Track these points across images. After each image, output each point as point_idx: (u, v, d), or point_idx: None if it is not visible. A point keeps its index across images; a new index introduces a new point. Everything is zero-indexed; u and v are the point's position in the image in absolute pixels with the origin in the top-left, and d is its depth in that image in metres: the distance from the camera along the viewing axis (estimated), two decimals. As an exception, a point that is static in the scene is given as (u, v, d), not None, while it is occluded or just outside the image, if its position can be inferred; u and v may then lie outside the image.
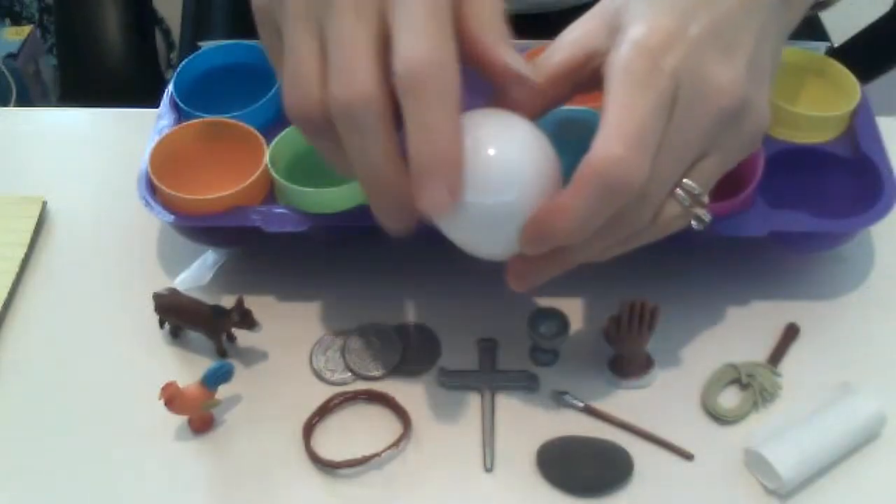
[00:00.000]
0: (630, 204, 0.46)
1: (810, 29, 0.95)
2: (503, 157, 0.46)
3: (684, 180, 0.48)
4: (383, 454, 0.55)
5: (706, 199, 0.49)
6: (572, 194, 0.45)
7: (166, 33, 1.55)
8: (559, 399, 0.58)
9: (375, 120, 0.44)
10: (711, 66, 0.46)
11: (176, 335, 0.61)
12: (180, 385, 0.55)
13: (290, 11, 0.46)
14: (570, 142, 0.62)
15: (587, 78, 0.50)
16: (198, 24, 1.05)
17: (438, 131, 0.43)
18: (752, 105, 0.48)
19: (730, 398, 0.57)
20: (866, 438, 0.55)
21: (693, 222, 0.50)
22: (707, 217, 0.50)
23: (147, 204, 0.60)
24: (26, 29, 1.59)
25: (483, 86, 0.65)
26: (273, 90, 0.64)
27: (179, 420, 0.57)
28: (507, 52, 0.47)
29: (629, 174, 0.44)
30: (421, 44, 0.43)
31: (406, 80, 0.43)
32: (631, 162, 0.44)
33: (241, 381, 0.58)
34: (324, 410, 0.57)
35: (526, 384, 0.58)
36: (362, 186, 0.47)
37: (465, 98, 0.45)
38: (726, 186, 0.53)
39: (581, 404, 0.57)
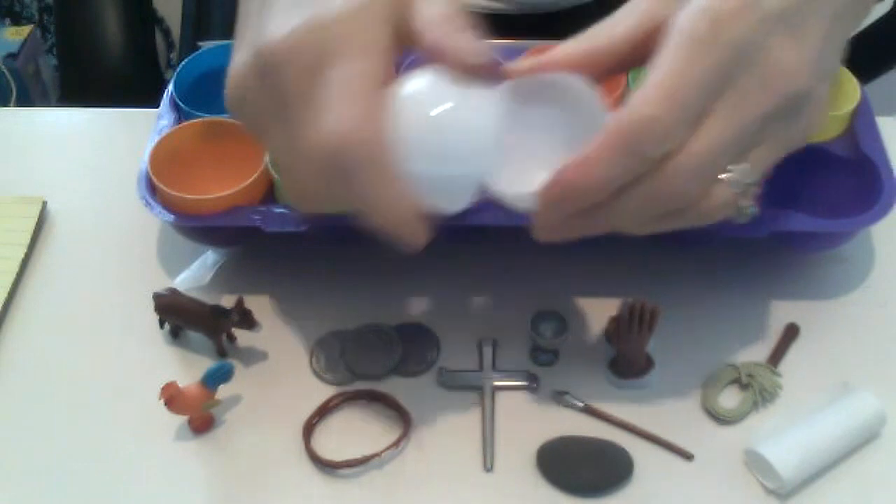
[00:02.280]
0: (673, 177, 0.44)
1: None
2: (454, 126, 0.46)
3: (737, 166, 0.46)
4: (383, 454, 0.55)
5: (757, 189, 0.47)
6: (596, 148, 0.43)
7: (166, 33, 1.55)
8: (559, 399, 0.58)
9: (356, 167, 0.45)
10: (779, 47, 0.44)
11: (176, 335, 0.61)
12: (180, 385, 0.55)
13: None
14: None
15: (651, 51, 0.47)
16: (198, 24, 1.05)
17: (379, 202, 0.45)
18: (814, 97, 0.46)
19: (730, 398, 0.57)
20: (866, 438, 0.55)
21: (740, 213, 0.48)
22: (754, 210, 0.48)
23: (147, 204, 0.60)
24: (26, 29, 1.58)
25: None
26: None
27: (179, 420, 0.57)
28: (454, 41, 0.46)
29: (657, 137, 0.43)
30: (339, 125, 0.44)
31: (332, 161, 0.44)
32: (663, 124, 0.43)
33: (241, 381, 0.58)
34: (324, 410, 0.57)
35: (526, 384, 0.58)
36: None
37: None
38: None
39: (581, 404, 0.57)
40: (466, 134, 0.46)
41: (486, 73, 0.47)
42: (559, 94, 0.47)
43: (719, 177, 0.46)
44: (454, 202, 0.49)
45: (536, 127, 0.49)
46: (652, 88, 0.43)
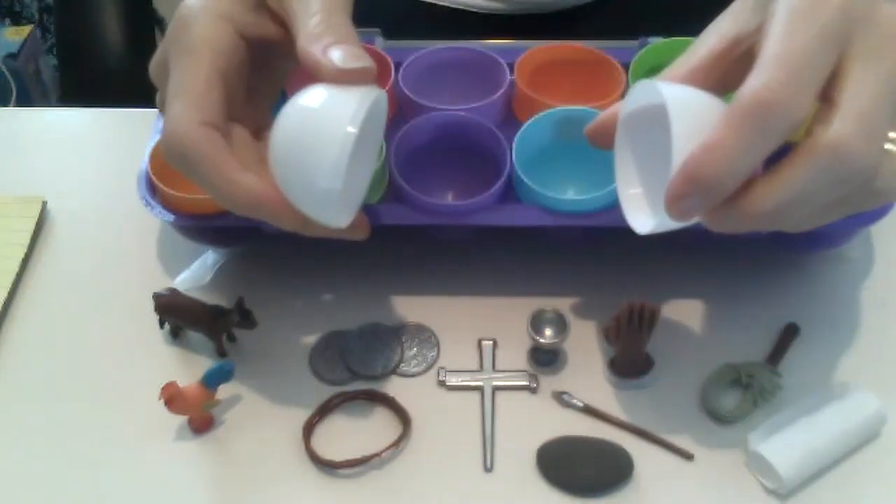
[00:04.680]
0: (837, 144, 0.41)
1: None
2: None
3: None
4: (383, 454, 0.55)
5: None
6: (723, 129, 0.42)
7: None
8: (559, 399, 0.58)
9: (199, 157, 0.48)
10: (888, 1, 0.43)
11: (176, 335, 0.61)
12: (180, 385, 0.55)
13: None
14: (571, 142, 0.62)
15: (736, 65, 0.47)
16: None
17: (219, 193, 0.49)
18: None
19: (730, 398, 0.57)
20: (866, 438, 0.55)
21: None
22: None
23: (147, 204, 0.60)
24: (26, 29, 1.59)
25: (483, 76, 0.65)
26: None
27: (179, 420, 0.57)
28: (325, 59, 0.48)
29: (778, 106, 0.41)
30: (176, 124, 0.48)
31: (175, 154, 0.49)
32: (789, 89, 0.41)
33: (241, 381, 0.58)
34: (324, 410, 0.57)
35: (526, 384, 0.58)
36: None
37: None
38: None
39: (581, 404, 0.57)
40: (315, 148, 0.47)
41: (358, 79, 0.48)
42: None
43: (886, 147, 0.44)
44: (320, 215, 0.49)
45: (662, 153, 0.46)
46: (763, 61, 0.42)
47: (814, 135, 0.42)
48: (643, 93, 0.49)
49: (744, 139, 0.41)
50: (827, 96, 0.43)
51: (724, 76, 0.47)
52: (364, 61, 0.48)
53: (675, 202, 0.43)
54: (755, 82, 0.41)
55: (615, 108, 0.52)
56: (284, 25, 0.51)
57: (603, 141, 0.52)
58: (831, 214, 0.46)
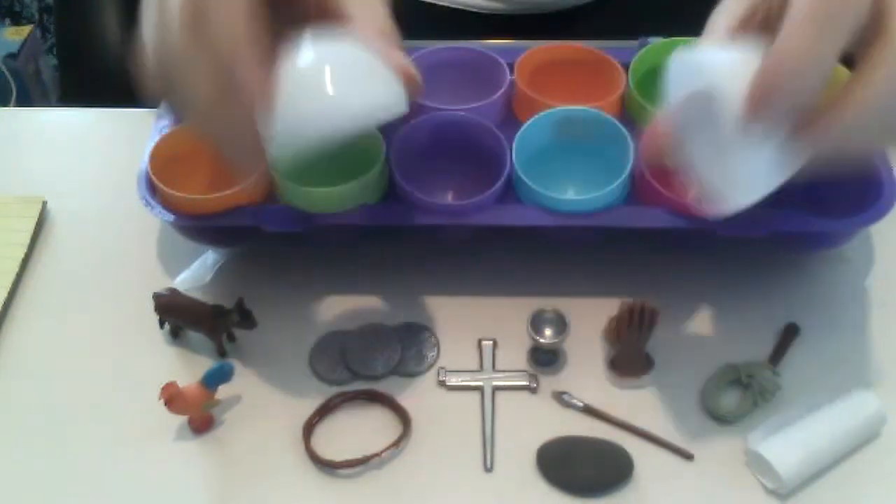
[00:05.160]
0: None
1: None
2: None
3: None
4: (383, 454, 0.55)
5: None
6: (788, 35, 0.43)
7: (166, 33, 1.54)
8: (559, 399, 0.58)
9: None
10: None
11: (176, 335, 0.61)
12: (180, 385, 0.55)
13: None
14: (571, 142, 0.63)
15: (755, 35, 0.47)
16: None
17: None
18: None
19: (730, 398, 0.57)
20: (866, 438, 0.55)
21: None
22: None
23: (147, 204, 0.60)
24: (26, 29, 1.59)
25: (478, 75, 0.66)
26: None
27: (179, 420, 0.57)
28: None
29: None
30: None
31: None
32: None
33: (241, 381, 0.58)
34: (324, 410, 0.57)
35: (526, 384, 0.58)
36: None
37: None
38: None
39: (581, 404, 0.57)
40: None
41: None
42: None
43: None
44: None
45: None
46: None
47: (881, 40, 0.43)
48: (681, 73, 0.48)
49: (812, 36, 0.42)
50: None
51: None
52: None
53: (758, 107, 0.43)
54: None
55: (658, 123, 0.51)
56: None
57: (661, 152, 0.52)
58: None
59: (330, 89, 0.47)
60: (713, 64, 0.46)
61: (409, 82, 0.49)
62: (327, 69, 0.47)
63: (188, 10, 0.46)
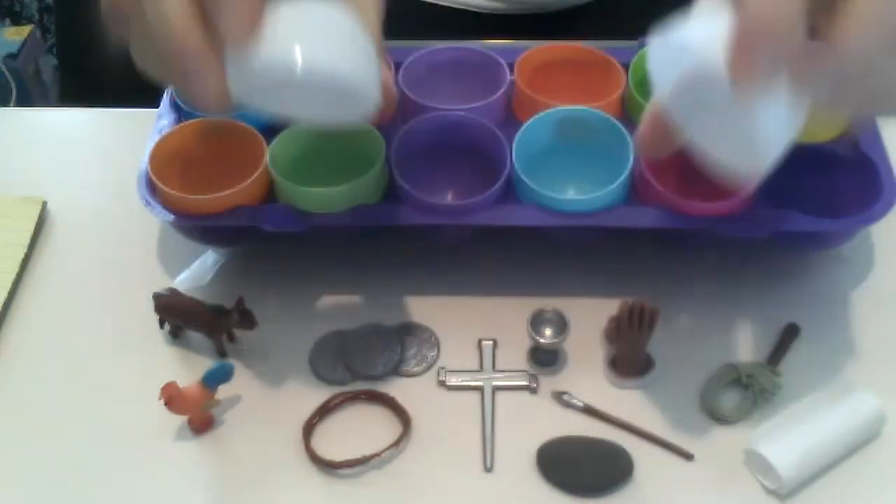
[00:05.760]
0: None
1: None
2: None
3: None
4: (383, 454, 0.55)
5: None
6: None
7: (166, 33, 1.54)
8: (559, 399, 0.58)
9: None
10: None
11: (176, 335, 0.61)
12: (180, 385, 0.55)
13: None
14: (571, 142, 0.63)
15: None
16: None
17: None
18: None
19: (730, 398, 0.57)
20: (866, 438, 0.55)
21: None
22: None
23: (147, 204, 0.60)
24: (26, 29, 1.59)
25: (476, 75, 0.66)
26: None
27: (179, 420, 0.57)
28: None
29: None
30: None
31: None
32: None
33: (241, 381, 0.58)
34: (324, 410, 0.57)
35: (526, 384, 0.58)
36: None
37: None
38: (725, 186, 0.53)
39: (581, 404, 0.57)
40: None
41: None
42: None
43: None
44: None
45: None
46: None
47: None
48: (663, 59, 0.48)
49: None
50: None
51: None
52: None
53: (745, 67, 0.42)
54: None
55: (651, 110, 0.50)
56: None
57: (658, 144, 0.51)
58: None
59: (299, 33, 0.45)
60: (691, 40, 0.44)
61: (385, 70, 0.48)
62: (303, 17, 0.46)
63: None
